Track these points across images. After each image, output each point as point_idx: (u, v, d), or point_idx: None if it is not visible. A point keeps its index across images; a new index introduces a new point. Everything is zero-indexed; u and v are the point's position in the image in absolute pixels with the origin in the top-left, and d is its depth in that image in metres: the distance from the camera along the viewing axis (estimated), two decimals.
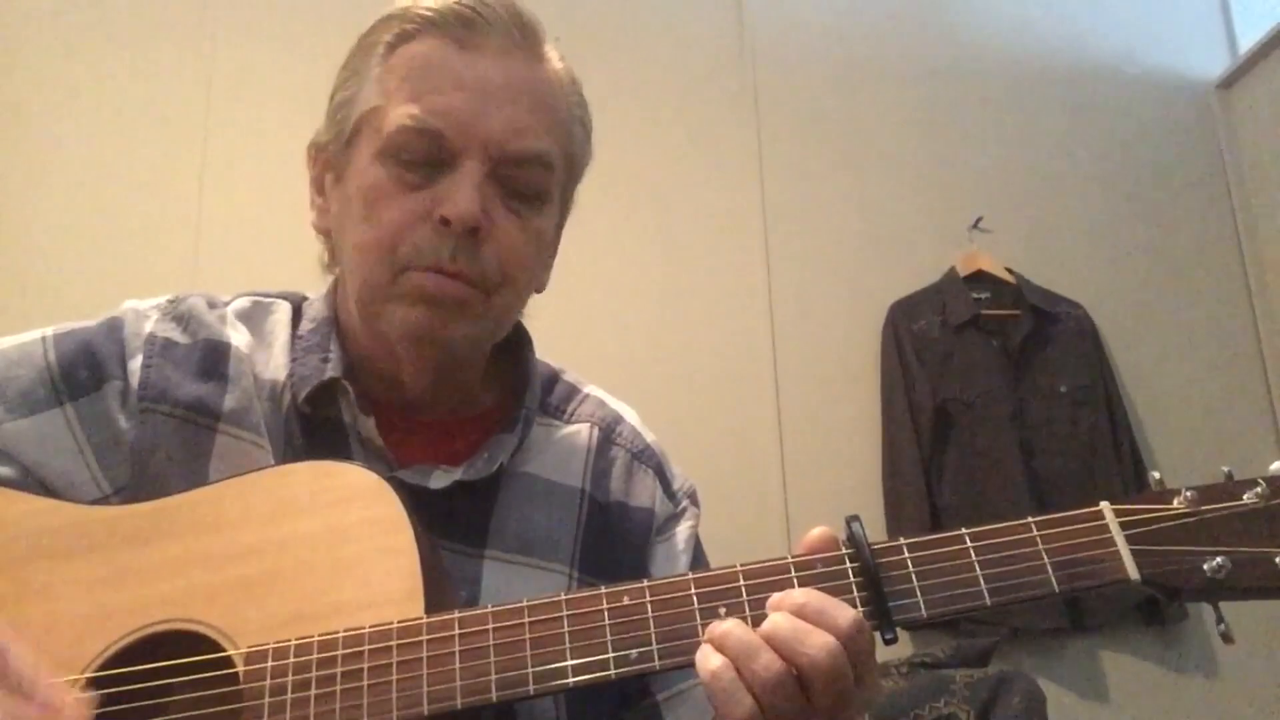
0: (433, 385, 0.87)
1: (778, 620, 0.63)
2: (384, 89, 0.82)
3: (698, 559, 0.94)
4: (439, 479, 0.83)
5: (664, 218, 2.74)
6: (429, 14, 0.82)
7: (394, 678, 0.66)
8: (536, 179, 0.83)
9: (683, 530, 0.94)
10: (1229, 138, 3.04)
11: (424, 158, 0.80)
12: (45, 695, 0.64)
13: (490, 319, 0.84)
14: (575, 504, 0.89)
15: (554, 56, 0.87)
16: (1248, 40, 3.05)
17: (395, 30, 0.83)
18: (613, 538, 0.90)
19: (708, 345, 2.66)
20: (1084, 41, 3.09)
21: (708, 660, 0.63)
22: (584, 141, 0.90)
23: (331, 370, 0.84)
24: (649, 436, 0.98)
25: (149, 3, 2.66)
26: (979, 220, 2.80)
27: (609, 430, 0.96)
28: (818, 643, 0.62)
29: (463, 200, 0.78)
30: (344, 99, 0.85)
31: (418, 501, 0.76)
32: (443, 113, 0.79)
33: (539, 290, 0.94)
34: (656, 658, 0.66)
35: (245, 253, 2.46)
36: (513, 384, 0.93)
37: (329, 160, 0.87)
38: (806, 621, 0.63)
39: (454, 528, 0.83)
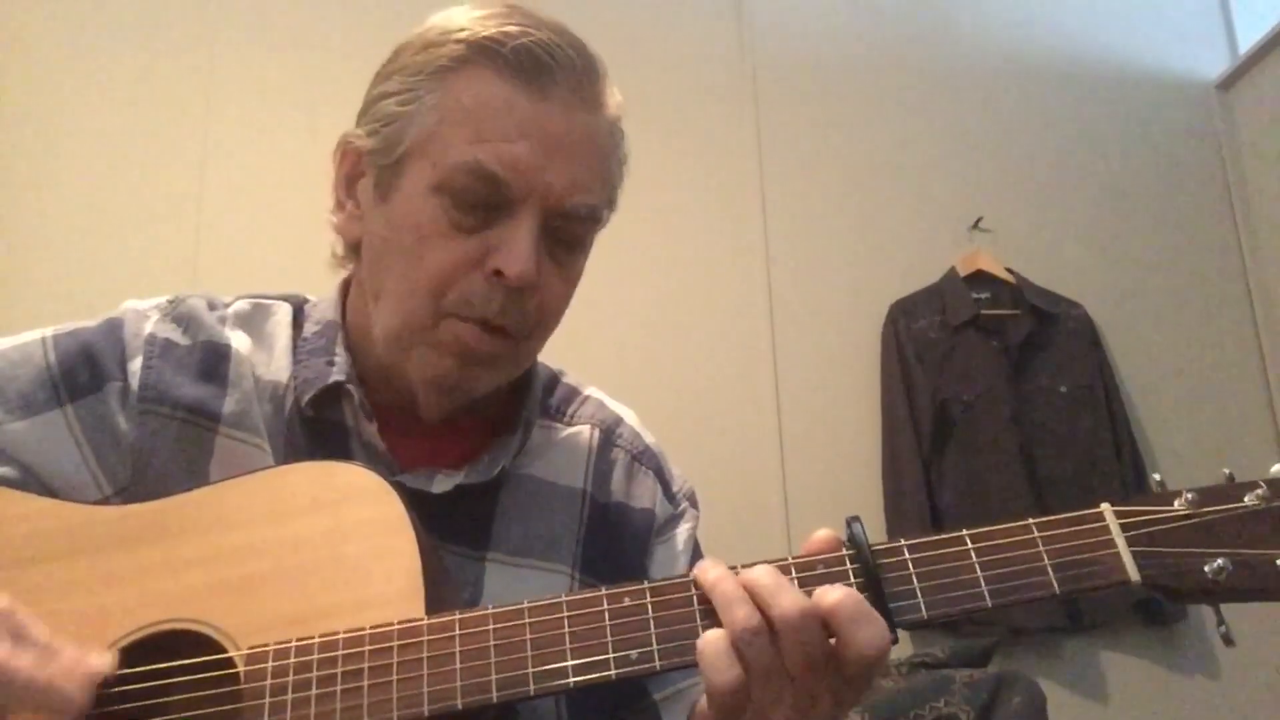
0: (448, 411, 0.87)
1: (760, 572, 0.65)
2: (444, 118, 0.79)
3: (697, 560, 0.94)
4: (441, 483, 0.83)
5: (664, 218, 2.74)
6: (498, 47, 0.78)
7: (394, 678, 0.66)
8: (584, 232, 0.84)
9: (682, 532, 0.95)
10: (1229, 138, 3.04)
11: (481, 201, 0.78)
12: (69, 651, 0.65)
13: (516, 365, 0.86)
14: (576, 505, 0.90)
15: (612, 102, 0.85)
16: (1248, 40, 3.05)
17: (457, 52, 0.80)
18: (613, 539, 0.90)
19: (708, 346, 2.66)
20: (1084, 42, 3.09)
21: (706, 635, 0.64)
22: (622, 175, 0.89)
23: (336, 374, 0.84)
24: (649, 438, 0.98)
25: (149, 3, 2.66)
26: (979, 220, 2.80)
27: (609, 432, 0.96)
28: (789, 600, 0.63)
29: (521, 259, 0.77)
30: (394, 113, 0.81)
31: (419, 506, 0.75)
32: (508, 162, 0.77)
33: None
34: (657, 658, 0.66)
35: (245, 252, 2.46)
36: (514, 387, 0.93)
37: (368, 169, 0.84)
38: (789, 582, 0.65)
39: (456, 530, 0.83)
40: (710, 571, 0.66)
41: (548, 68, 0.79)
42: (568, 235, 0.82)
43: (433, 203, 0.79)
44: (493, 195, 0.78)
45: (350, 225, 0.87)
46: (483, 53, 0.79)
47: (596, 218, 0.84)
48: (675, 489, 0.97)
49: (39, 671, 0.63)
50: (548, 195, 0.79)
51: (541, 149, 0.78)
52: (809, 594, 0.64)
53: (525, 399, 0.91)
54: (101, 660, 0.66)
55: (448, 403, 0.84)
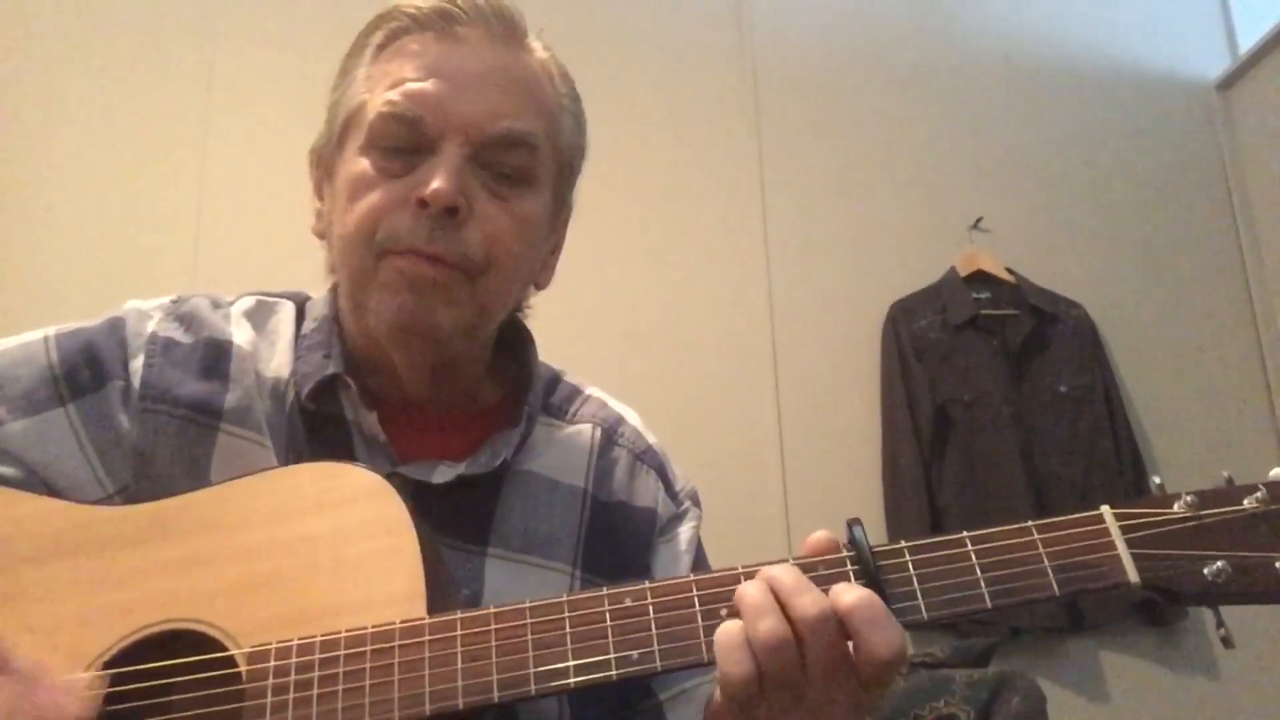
0: (431, 380, 0.87)
1: (781, 570, 0.65)
2: (369, 85, 0.84)
3: (699, 561, 0.95)
4: (442, 474, 0.83)
5: (664, 218, 2.74)
6: (414, 11, 0.84)
7: (396, 678, 0.66)
8: (519, 161, 0.83)
9: (685, 531, 0.95)
10: (1229, 138, 3.04)
11: (404, 145, 0.81)
12: (50, 685, 0.65)
13: (476, 305, 0.82)
14: (577, 503, 0.90)
15: (538, 47, 0.88)
16: (1248, 40, 3.05)
17: (384, 30, 0.85)
18: (615, 537, 0.90)
19: (708, 345, 2.66)
20: (1084, 42, 3.09)
21: (725, 625, 0.64)
22: (575, 133, 0.90)
23: (333, 366, 0.85)
24: (651, 438, 0.99)
25: (149, 3, 2.66)
26: (979, 220, 2.80)
27: (611, 431, 0.96)
28: (809, 599, 0.63)
29: (437, 180, 0.78)
30: (334, 101, 0.87)
31: (420, 497, 0.76)
32: (418, 98, 0.80)
33: (540, 287, 0.94)
34: (658, 659, 0.66)
35: (245, 253, 2.46)
36: (515, 382, 0.93)
37: (324, 163, 0.88)
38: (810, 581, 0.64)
39: (456, 524, 0.83)
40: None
41: (456, 17, 0.83)
42: (504, 165, 0.82)
43: (363, 161, 0.82)
44: (415, 137, 0.80)
45: (319, 223, 0.89)
46: (401, 22, 0.84)
47: (530, 144, 0.83)
48: (678, 488, 0.97)
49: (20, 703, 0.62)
50: (467, 126, 0.80)
51: (452, 84, 0.81)
52: (825, 593, 0.63)
53: (526, 393, 0.91)
54: (80, 706, 0.65)
55: (416, 348, 0.83)
